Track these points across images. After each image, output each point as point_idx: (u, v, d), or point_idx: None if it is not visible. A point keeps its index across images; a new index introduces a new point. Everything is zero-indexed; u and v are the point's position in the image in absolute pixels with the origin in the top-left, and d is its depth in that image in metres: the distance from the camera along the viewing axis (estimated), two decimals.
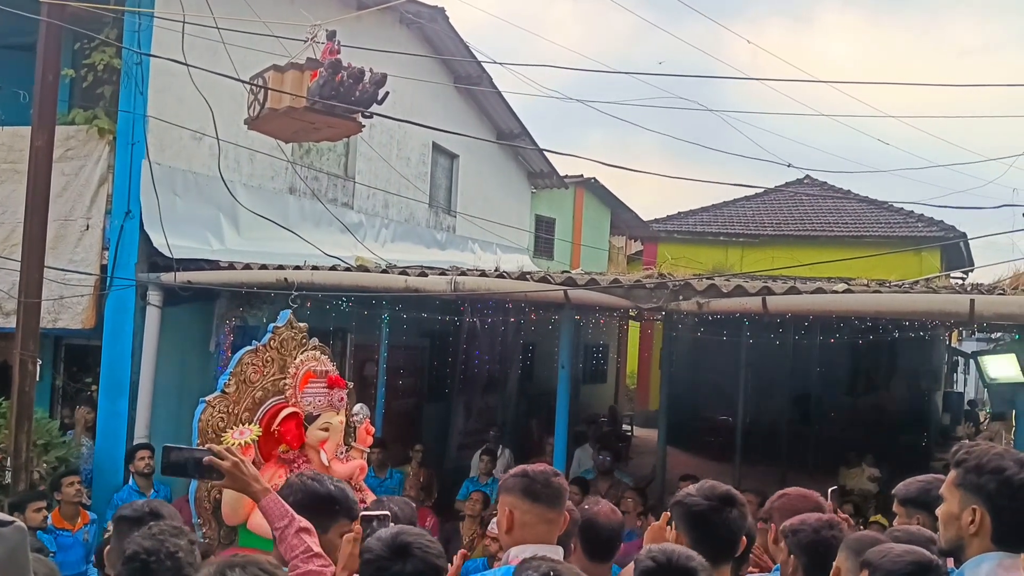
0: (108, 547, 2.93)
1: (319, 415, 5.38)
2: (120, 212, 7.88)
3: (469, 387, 12.11)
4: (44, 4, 6.36)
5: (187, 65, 6.98)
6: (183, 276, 7.82)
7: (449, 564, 2.40)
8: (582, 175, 18.06)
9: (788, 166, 12.94)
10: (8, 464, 6.46)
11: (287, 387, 5.45)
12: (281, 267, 7.82)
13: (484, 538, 6.25)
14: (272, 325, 5.71)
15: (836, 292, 6.33)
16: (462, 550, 2.97)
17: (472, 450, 10.35)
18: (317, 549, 2.56)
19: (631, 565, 2.66)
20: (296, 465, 5.13)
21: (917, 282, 7.45)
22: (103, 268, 7.93)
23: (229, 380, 5.31)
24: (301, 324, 5.82)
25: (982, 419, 16.91)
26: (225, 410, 5.24)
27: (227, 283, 7.98)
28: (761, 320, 8.55)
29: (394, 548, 2.22)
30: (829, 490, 3.55)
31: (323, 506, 2.77)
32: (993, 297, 6.16)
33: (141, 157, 7.82)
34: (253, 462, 4.20)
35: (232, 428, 5.14)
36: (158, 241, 7.84)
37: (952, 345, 17.66)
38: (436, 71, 12.54)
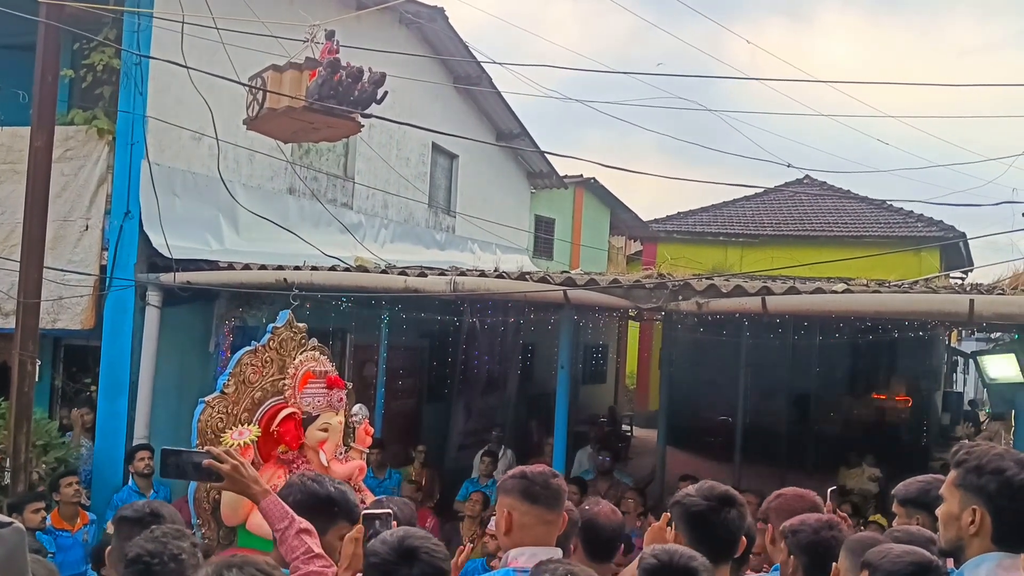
0: (109, 548, 2.93)
1: (318, 415, 5.37)
2: (119, 212, 7.88)
3: (468, 388, 12.10)
4: (43, 5, 6.36)
5: (186, 66, 6.98)
6: (182, 276, 7.82)
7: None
8: (581, 175, 18.06)
9: (788, 166, 12.93)
10: (7, 465, 6.46)
11: (286, 387, 5.45)
12: (280, 267, 7.81)
13: (484, 536, 6.24)
14: (271, 325, 5.70)
15: (835, 292, 6.33)
16: (462, 546, 2.97)
17: (472, 450, 10.34)
18: (318, 550, 2.55)
19: (633, 564, 2.67)
20: (295, 466, 5.13)
21: (916, 282, 7.45)
22: (102, 268, 7.93)
23: (228, 380, 5.31)
24: (300, 324, 5.82)
25: (982, 419, 16.91)
26: (224, 410, 5.24)
27: (226, 283, 7.98)
28: (761, 320, 8.55)
29: (400, 552, 2.20)
30: (829, 490, 3.55)
31: (323, 508, 2.76)
32: (992, 297, 6.15)
33: (140, 157, 7.82)
34: (252, 462, 4.19)
35: (231, 428, 5.14)
36: (157, 241, 7.84)
37: (952, 345, 17.66)
38: (435, 71, 12.54)
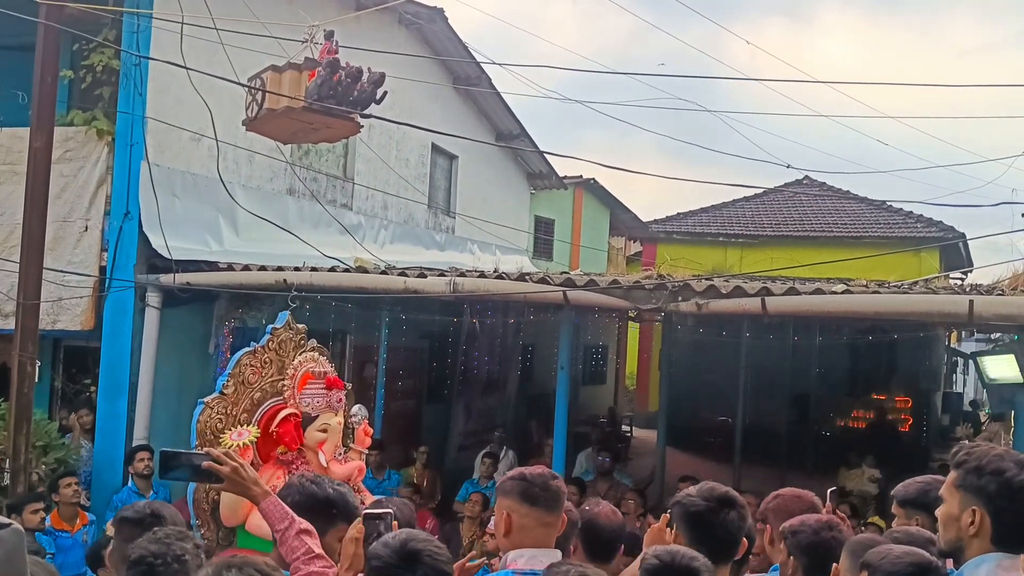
0: (110, 548, 2.93)
1: (317, 416, 5.37)
2: (119, 213, 7.88)
3: (468, 388, 12.10)
4: (42, 5, 6.36)
5: (185, 67, 6.98)
6: (182, 278, 7.82)
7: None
8: (581, 176, 18.05)
9: (787, 167, 12.91)
10: (7, 466, 6.46)
11: (285, 388, 5.45)
12: (280, 268, 7.81)
13: (483, 536, 6.25)
14: (270, 326, 5.71)
15: (835, 293, 6.33)
16: (473, 551, 2.95)
17: (471, 451, 10.34)
18: (318, 551, 2.55)
19: (634, 564, 2.67)
20: (295, 466, 5.13)
21: (916, 283, 7.45)
22: (102, 269, 7.93)
23: (227, 381, 5.31)
24: (300, 325, 5.82)
25: (983, 420, 16.90)
26: (223, 411, 5.24)
27: (226, 284, 7.98)
28: (760, 321, 8.55)
29: (403, 555, 2.18)
30: (828, 491, 3.54)
31: (321, 509, 2.75)
32: (992, 298, 6.15)
33: (140, 158, 7.81)
34: (251, 463, 4.19)
35: (230, 429, 5.14)
36: (157, 242, 7.84)
37: (951, 346, 17.66)
38: (435, 72, 12.54)
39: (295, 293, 6.47)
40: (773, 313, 6.63)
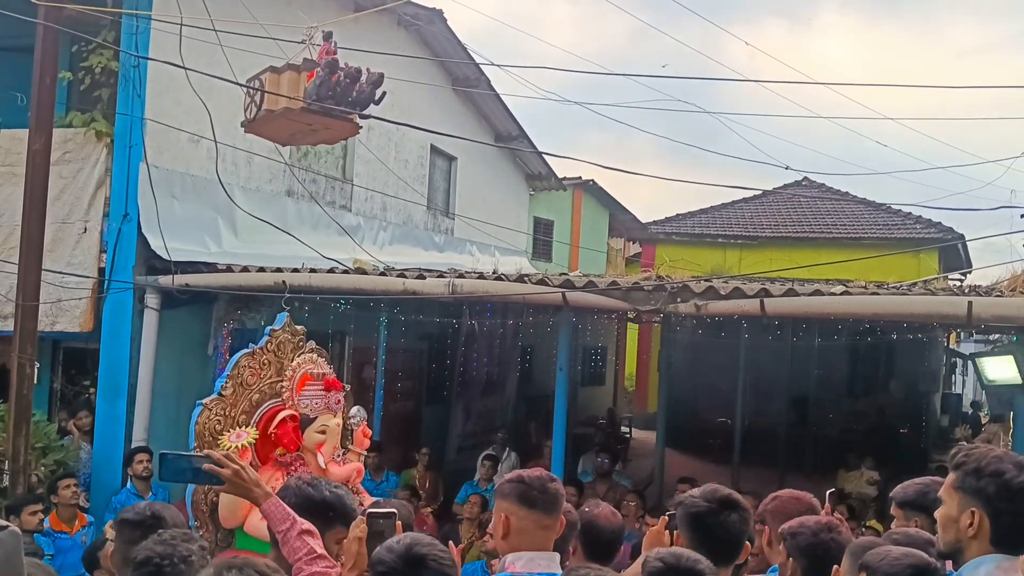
0: (110, 549, 2.93)
1: (316, 418, 5.37)
2: (118, 215, 7.87)
3: (467, 390, 12.10)
4: (41, 7, 6.36)
5: (184, 68, 6.98)
6: (181, 279, 7.81)
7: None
8: (580, 177, 18.05)
9: (786, 168, 12.99)
10: (6, 467, 6.46)
11: (284, 390, 5.44)
12: (279, 270, 7.81)
13: (483, 537, 6.24)
14: (269, 328, 5.70)
15: (834, 294, 6.33)
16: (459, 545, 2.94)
17: (470, 452, 10.33)
18: (321, 551, 2.56)
19: (635, 564, 2.66)
20: (293, 468, 5.12)
21: (915, 284, 7.45)
22: (101, 271, 7.92)
23: (226, 383, 5.30)
24: (299, 327, 5.82)
25: (983, 421, 16.90)
26: (222, 413, 5.23)
27: (225, 286, 7.97)
28: (759, 322, 8.55)
29: (408, 560, 2.17)
30: (827, 492, 3.54)
31: (318, 512, 2.74)
32: (991, 299, 6.16)
33: (139, 160, 7.81)
34: (250, 465, 4.19)
35: (229, 431, 5.13)
36: (156, 244, 7.84)
37: (950, 347, 17.66)
38: (434, 73, 12.55)
39: (287, 295, 6.46)
40: (772, 314, 6.63)
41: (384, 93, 6.50)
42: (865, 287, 6.71)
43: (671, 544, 2.81)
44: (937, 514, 2.32)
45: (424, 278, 7.42)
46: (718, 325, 9.13)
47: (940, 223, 18.68)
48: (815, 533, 2.76)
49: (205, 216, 8.63)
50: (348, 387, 5.99)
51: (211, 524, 5.14)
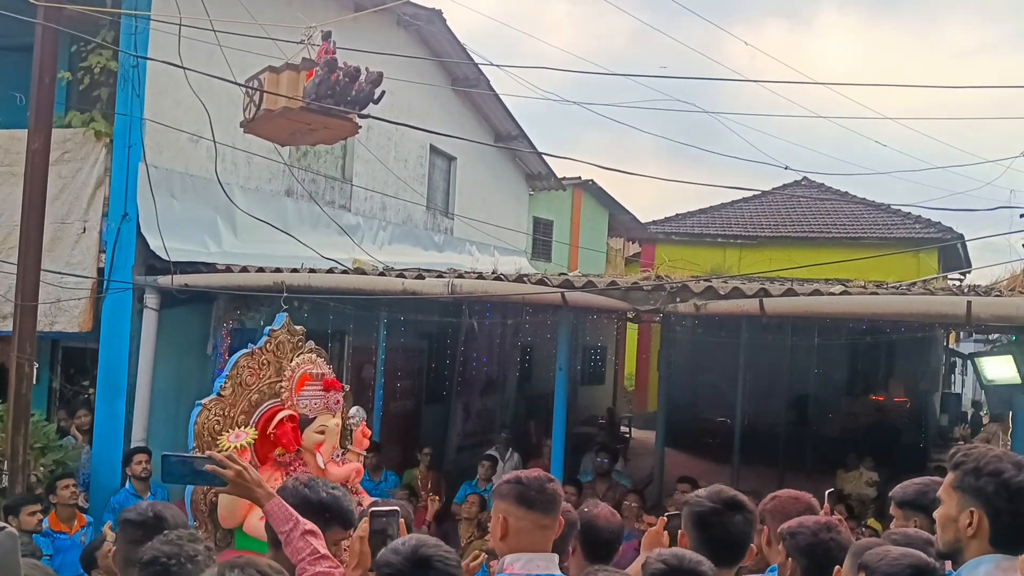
0: (111, 550, 2.93)
1: (315, 418, 5.37)
2: (117, 215, 7.87)
3: (467, 389, 12.10)
4: (40, 7, 6.35)
5: (183, 68, 6.98)
6: (180, 279, 7.81)
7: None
8: (580, 177, 18.04)
9: (786, 168, 12.96)
10: (5, 467, 6.45)
11: (283, 390, 5.44)
12: (278, 270, 7.81)
13: (483, 537, 6.24)
14: (268, 328, 5.70)
15: (833, 294, 6.33)
16: (475, 552, 2.93)
17: (470, 452, 10.33)
18: (324, 551, 2.56)
19: (635, 564, 2.66)
20: (292, 468, 5.12)
21: (914, 284, 7.45)
22: (100, 271, 7.91)
23: (225, 383, 5.30)
24: (298, 327, 5.82)
25: (984, 422, 16.90)
26: (221, 413, 5.23)
27: (224, 286, 7.97)
28: (759, 322, 8.55)
29: (414, 561, 2.17)
30: (826, 492, 3.54)
31: (315, 513, 2.74)
32: (990, 299, 6.15)
33: (138, 160, 7.81)
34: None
35: (228, 431, 5.14)
36: (155, 244, 7.83)
37: (950, 346, 17.66)
38: (433, 73, 12.54)
39: (285, 295, 6.46)
40: (771, 314, 6.63)
41: (383, 92, 6.50)
42: (864, 287, 6.71)
43: (671, 544, 2.82)
44: (936, 514, 2.32)
45: (423, 278, 7.42)
46: (717, 325, 9.14)
47: (939, 223, 18.68)
48: (815, 533, 2.76)
49: (204, 216, 8.62)
50: (347, 387, 5.99)
51: (210, 524, 5.15)
